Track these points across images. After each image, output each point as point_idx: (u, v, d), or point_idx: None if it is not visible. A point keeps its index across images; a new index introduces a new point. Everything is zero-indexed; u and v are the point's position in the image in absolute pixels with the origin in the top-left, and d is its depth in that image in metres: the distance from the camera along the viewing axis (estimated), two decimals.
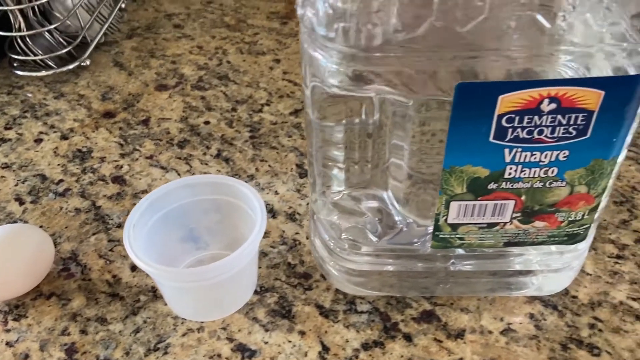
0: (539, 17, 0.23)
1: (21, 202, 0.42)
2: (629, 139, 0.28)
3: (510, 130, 0.25)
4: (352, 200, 0.31)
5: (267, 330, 0.33)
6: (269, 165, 0.45)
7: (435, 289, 0.35)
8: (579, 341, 0.32)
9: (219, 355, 0.32)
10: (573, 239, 0.30)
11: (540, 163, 0.27)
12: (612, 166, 0.27)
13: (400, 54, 0.24)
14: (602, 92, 0.24)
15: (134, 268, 0.37)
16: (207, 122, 0.49)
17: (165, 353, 0.32)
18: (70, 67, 0.55)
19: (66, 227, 0.40)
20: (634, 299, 0.34)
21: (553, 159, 0.26)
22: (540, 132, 0.25)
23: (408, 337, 0.33)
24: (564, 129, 0.25)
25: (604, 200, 0.30)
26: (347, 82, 0.25)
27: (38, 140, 0.48)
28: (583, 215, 0.29)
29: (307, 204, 0.41)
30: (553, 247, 0.32)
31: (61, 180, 0.44)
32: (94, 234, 0.39)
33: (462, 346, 0.33)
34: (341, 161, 0.29)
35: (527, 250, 0.32)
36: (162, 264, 0.33)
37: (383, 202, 0.30)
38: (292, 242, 0.39)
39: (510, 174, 0.27)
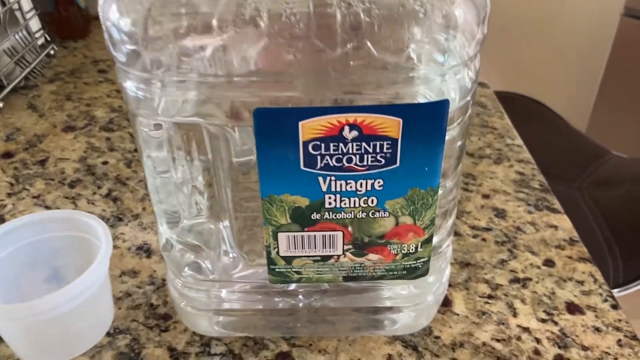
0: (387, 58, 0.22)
1: None
2: (457, 168, 0.28)
3: (318, 157, 0.25)
4: (189, 234, 0.30)
5: None
6: None
7: (298, 328, 0.34)
8: None
9: None
10: (413, 273, 0.29)
11: (358, 192, 0.26)
12: (432, 196, 0.26)
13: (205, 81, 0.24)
14: (400, 120, 0.24)
15: None
16: (105, 163, 0.49)
17: None
18: None
19: None
20: (497, 340, 0.33)
21: (369, 188, 0.26)
22: (350, 160, 0.25)
23: None
24: (372, 157, 0.25)
25: (443, 233, 0.30)
26: (151, 109, 0.25)
27: None
28: (416, 248, 0.28)
29: None
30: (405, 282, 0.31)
31: None
32: None
33: None
34: (175, 194, 0.29)
35: (395, 283, 0.31)
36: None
37: (219, 235, 0.30)
38: (160, 282, 0.37)
39: (330, 203, 0.26)
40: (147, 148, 0.27)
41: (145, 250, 0.40)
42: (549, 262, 0.38)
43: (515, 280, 0.37)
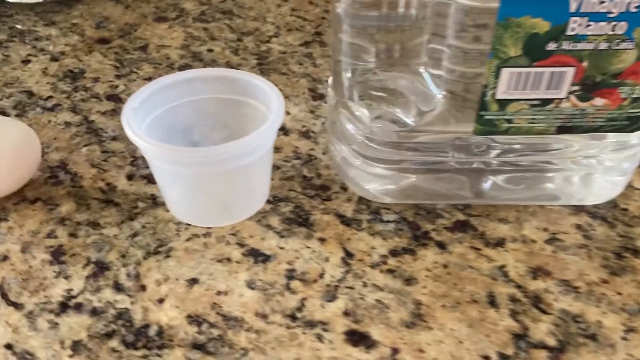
0: None
1: (4, 115, 0.38)
2: None
3: None
4: (382, 78, 0.27)
5: (282, 237, 0.30)
6: (280, 89, 0.41)
7: (477, 192, 0.31)
8: (635, 250, 0.29)
9: (229, 259, 0.28)
10: (635, 124, 0.27)
11: (609, 15, 0.23)
12: None
13: None
14: None
15: (130, 177, 0.33)
16: (210, 50, 0.45)
17: (167, 256, 0.28)
18: None
19: (55, 139, 0.36)
20: None
21: (624, 9, 0.23)
22: None
23: (441, 245, 0.29)
24: None
25: None
26: None
27: (26, 62, 0.43)
28: None
29: (323, 123, 0.37)
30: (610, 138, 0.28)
31: (50, 97, 0.39)
32: (85, 145, 0.35)
33: (503, 254, 0.29)
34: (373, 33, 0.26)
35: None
36: None
37: (419, 77, 0.27)
38: (306, 157, 0.35)
39: (573, 29, 0.24)
40: None
41: (281, 129, 0.37)
42: None
43: None
